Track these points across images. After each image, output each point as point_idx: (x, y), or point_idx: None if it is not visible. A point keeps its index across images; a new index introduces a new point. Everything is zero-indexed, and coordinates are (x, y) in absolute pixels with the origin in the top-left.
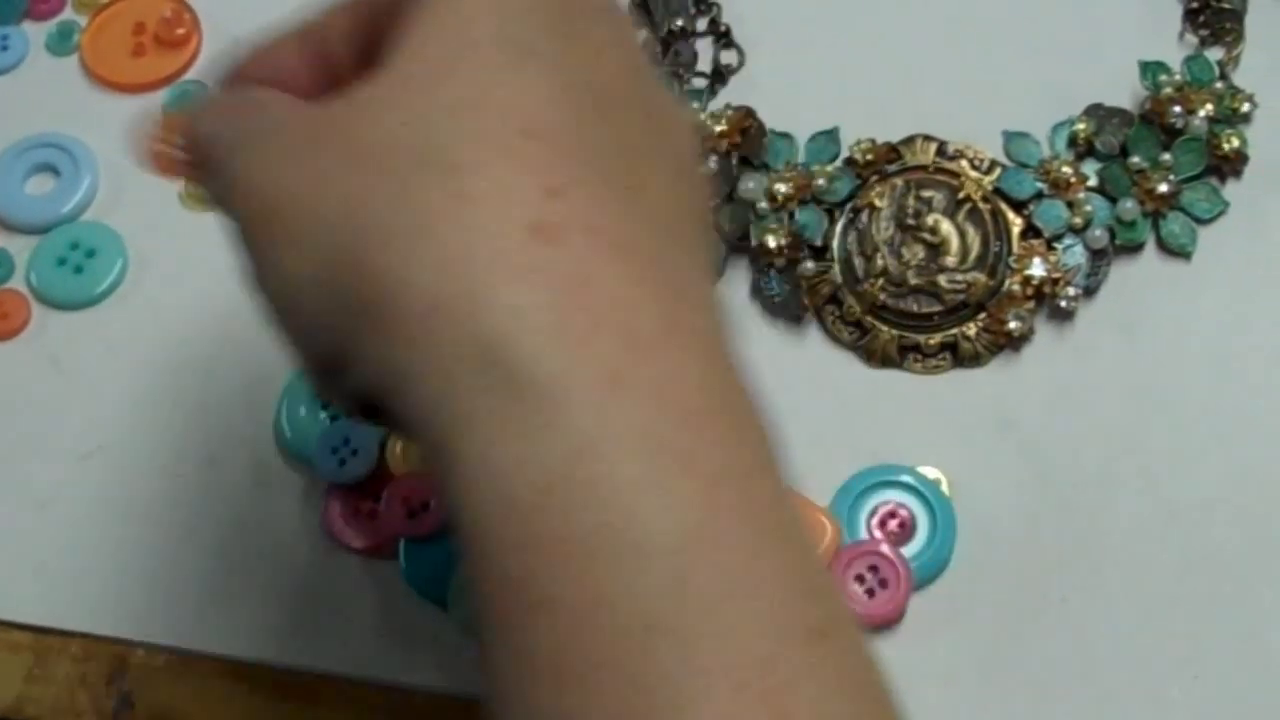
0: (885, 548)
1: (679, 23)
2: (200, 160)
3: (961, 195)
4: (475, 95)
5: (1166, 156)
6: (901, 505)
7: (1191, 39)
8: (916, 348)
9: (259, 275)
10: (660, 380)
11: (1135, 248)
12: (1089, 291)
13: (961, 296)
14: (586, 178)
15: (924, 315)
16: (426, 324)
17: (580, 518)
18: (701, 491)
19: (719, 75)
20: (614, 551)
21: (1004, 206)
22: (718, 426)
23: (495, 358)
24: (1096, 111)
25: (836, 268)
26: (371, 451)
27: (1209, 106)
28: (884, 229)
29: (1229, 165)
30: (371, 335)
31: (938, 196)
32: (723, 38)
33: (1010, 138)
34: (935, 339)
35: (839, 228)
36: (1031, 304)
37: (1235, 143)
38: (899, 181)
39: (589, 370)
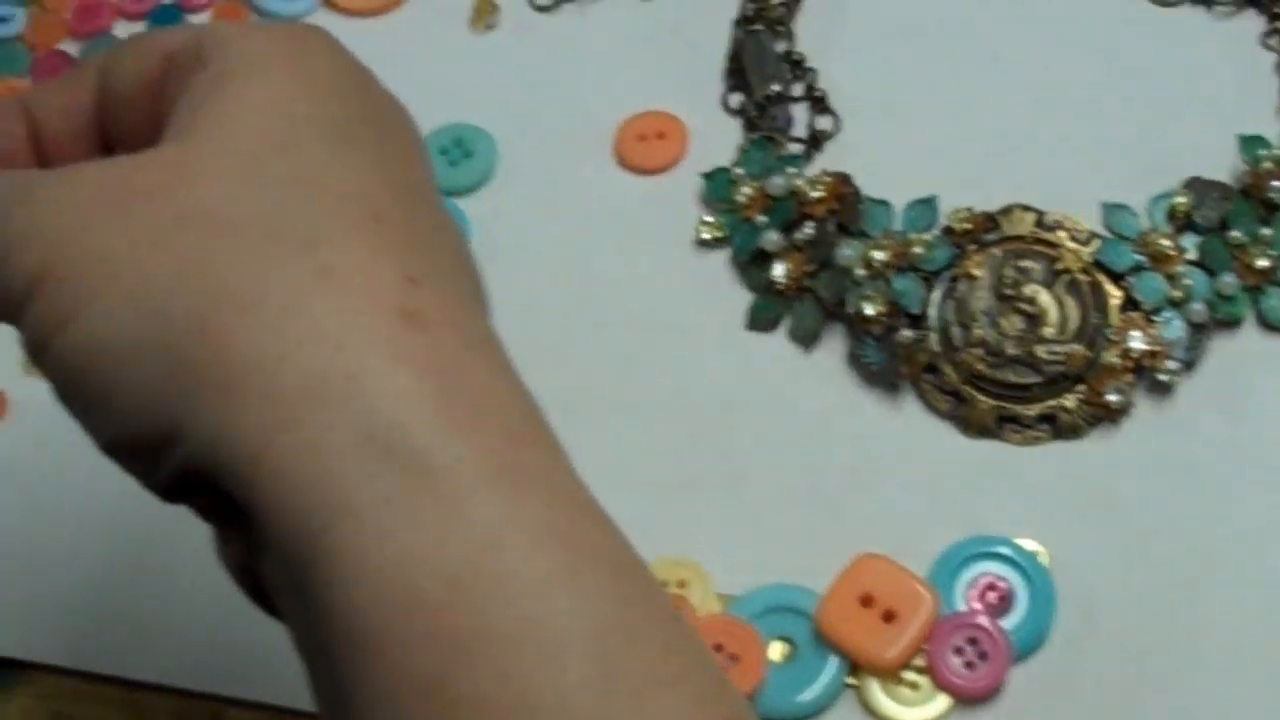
0: (984, 620)
1: (774, 87)
2: None
3: (1060, 266)
4: (312, 173)
5: (1266, 231)
6: (1000, 577)
7: None
8: (1015, 418)
9: (55, 338)
10: (544, 472)
11: (1235, 322)
12: (1188, 365)
13: (1060, 368)
14: (433, 270)
15: (1022, 386)
16: (300, 404)
17: (497, 612)
18: (610, 582)
19: (815, 141)
20: (536, 646)
21: (1103, 278)
22: (603, 518)
23: (388, 441)
24: (1196, 185)
25: (934, 336)
26: None
27: None
28: (982, 299)
29: None
30: (216, 409)
31: (1036, 267)
32: (818, 103)
33: (1109, 210)
34: (1034, 410)
35: (937, 296)
36: (1131, 377)
37: None
38: (997, 251)
39: (481, 460)
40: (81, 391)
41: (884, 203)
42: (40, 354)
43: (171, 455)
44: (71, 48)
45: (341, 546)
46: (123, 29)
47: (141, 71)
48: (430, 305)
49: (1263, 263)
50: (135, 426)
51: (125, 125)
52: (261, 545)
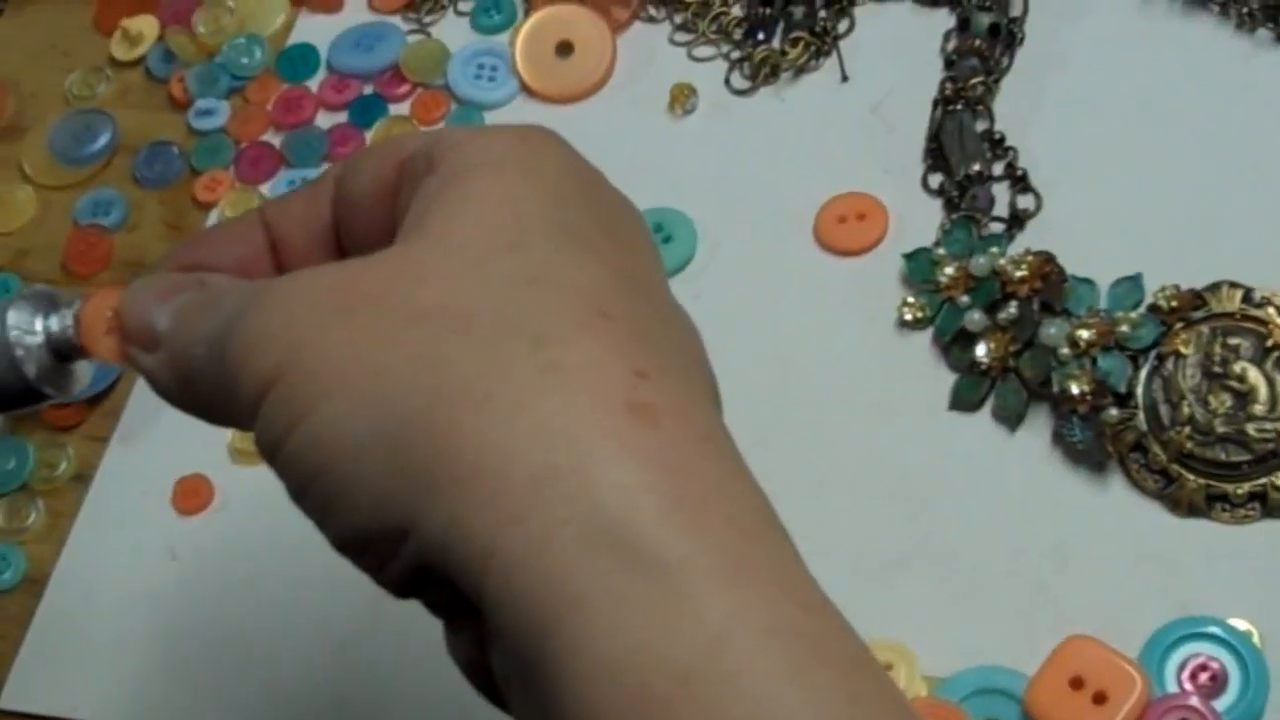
0: (1196, 701)
1: (975, 167)
2: (176, 340)
3: (1270, 343)
4: (539, 271)
5: None
6: (1212, 658)
7: None
8: (1224, 497)
9: (288, 438)
10: (773, 567)
11: None
12: None
13: (1271, 445)
14: (662, 365)
15: (1232, 464)
16: (531, 499)
17: (725, 709)
18: (838, 681)
19: (1017, 220)
20: None
21: None
22: (836, 614)
23: (618, 536)
24: None
25: (1141, 415)
26: None
27: None
28: (1190, 376)
29: None
30: (447, 505)
31: (1245, 344)
32: (1020, 181)
33: None
34: (1244, 488)
35: (1143, 375)
36: None
37: None
38: (1205, 329)
39: (710, 556)
40: (314, 490)
41: (1088, 281)
42: (274, 454)
43: (403, 551)
44: (275, 139)
45: (571, 641)
46: (324, 119)
47: (377, 178)
48: (659, 399)
49: None
50: (367, 523)
51: (361, 232)
52: (492, 638)
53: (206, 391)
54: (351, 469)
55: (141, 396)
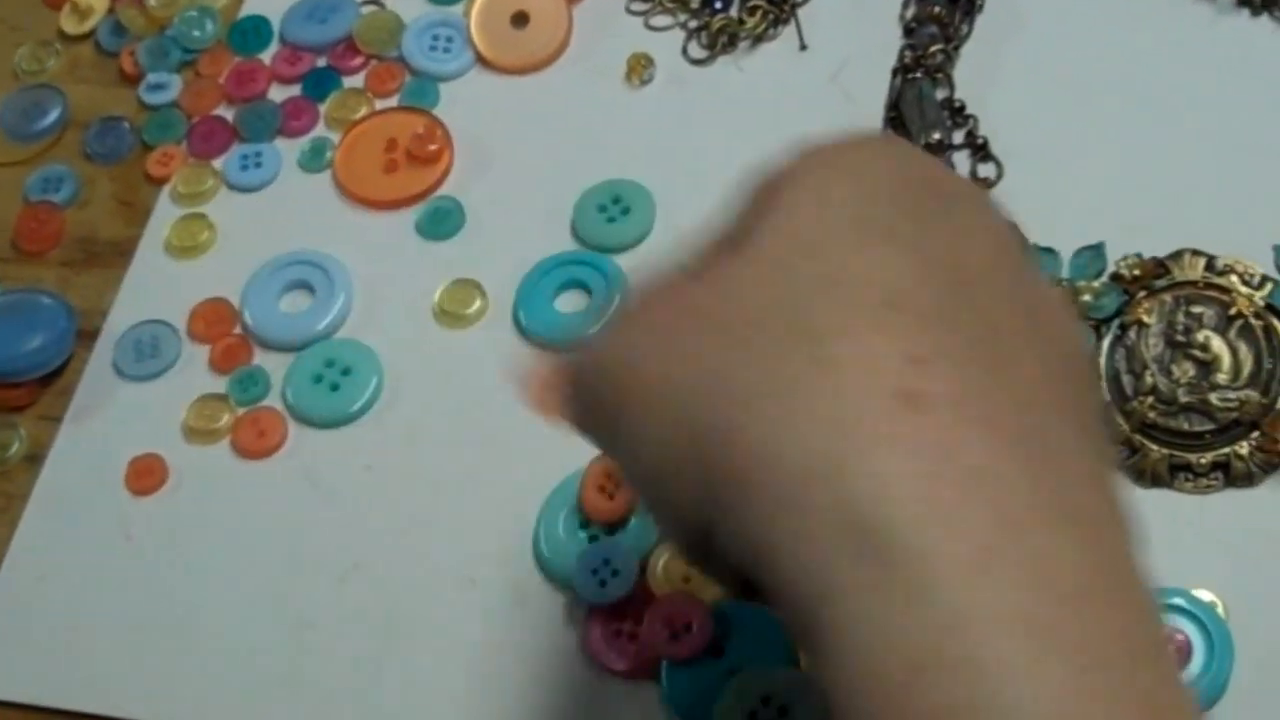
0: None
1: (935, 135)
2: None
3: (1233, 311)
4: (835, 270)
5: None
6: (1176, 630)
7: None
8: (1187, 467)
9: (628, 454)
10: (1031, 557)
11: None
12: None
13: (1234, 415)
14: (950, 350)
15: (1195, 434)
16: (795, 490)
17: (951, 694)
18: (1073, 676)
19: None
20: None
21: (1276, 322)
22: (1094, 608)
23: (867, 526)
24: None
25: (1104, 385)
26: (632, 572)
27: None
28: (1153, 346)
29: None
30: (735, 502)
31: (1208, 312)
32: (980, 150)
33: None
34: (1207, 458)
35: (1106, 344)
36: None
37: None
38: (1167, 297)
39: (960, 545)
40: (649, 502)
41: (1050, 250)
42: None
43: (716, 549)
44: (227, 113)
45: (829, 630)
46: (277, 93)
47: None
48: (933, 385)
49: None
50: (686, 532)
51: None
52: None
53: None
54: (664, 484)
55: (94, 375)
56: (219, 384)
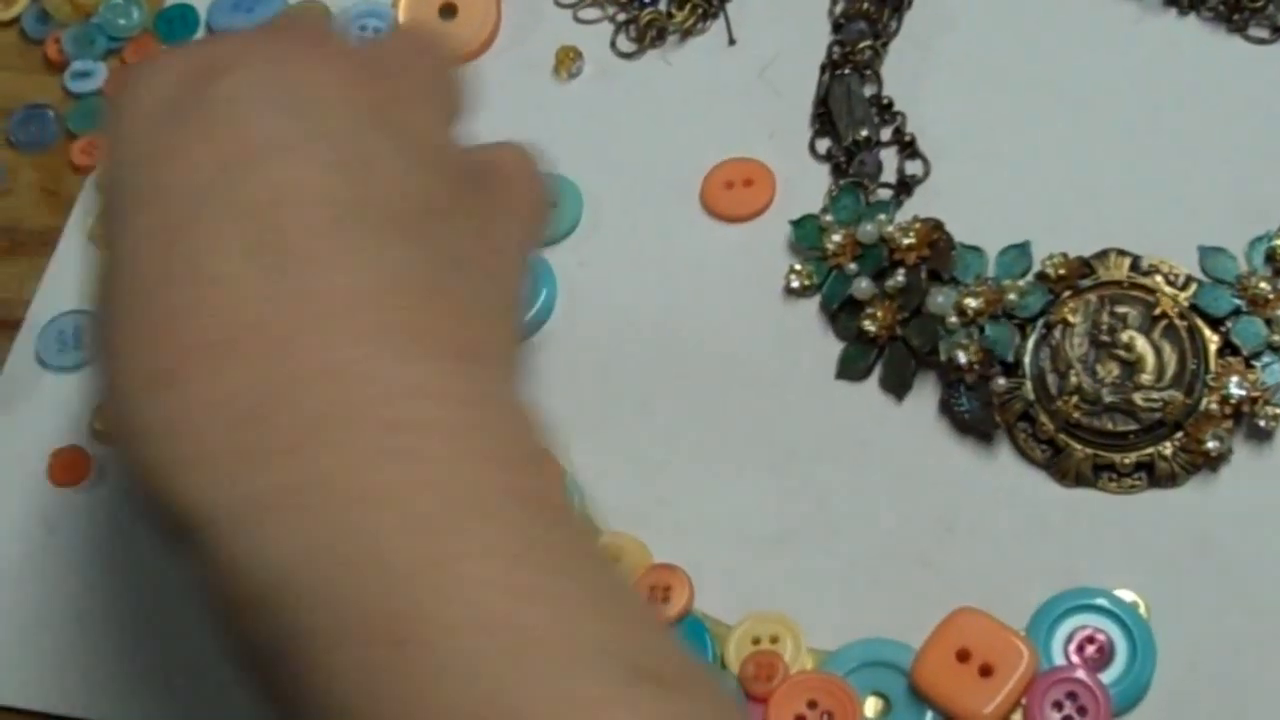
0: (1083, 674)
1: (863, 132)
2: None
3: (1157, 311)
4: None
5: None
6: (1099, 630)
7: None
8: (1111, 467)
9: None
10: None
11: None
12: None
13: (1158, 415)
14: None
15: (1119, 434)
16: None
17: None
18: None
19: (905, 186)
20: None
21: (1200, 323)
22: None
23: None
24: None
25: (1029, 384)
26: None
27: None
28: (1078, 345)
29: None
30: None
31: (1132, 313)
32: (908, 148)
33: (1206, 253)
34: (1130, 458)
35: (1031, 344)
36: (1230, 423)
37: None
38: (1092, 297)
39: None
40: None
41: (976, 249)
42: None
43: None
44: None
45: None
46: None
47: None
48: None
49: None
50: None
51: None
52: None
53: None
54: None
55: (17, 366)
56: None
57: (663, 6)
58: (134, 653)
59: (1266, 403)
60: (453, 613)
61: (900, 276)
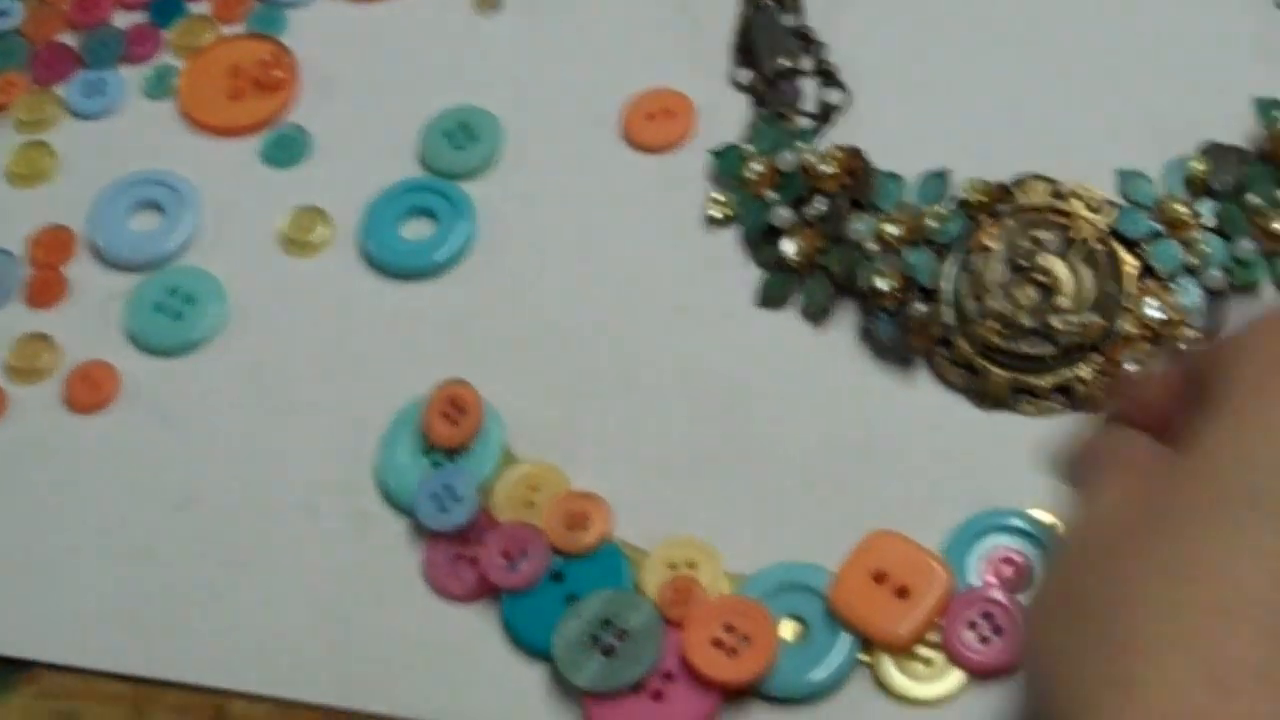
0: (999, 594)
1: (783, 62)
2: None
3: (1075, 236)
4: (1185, 555)
5: None
6: (1016, 550)
7: None
8: (1029, 390)
9: None
10: None
11: (1252, 287)
12: (1206, 333)
13: (1076, 338)
14: None
15: (1037, 357)
16: None
17: None
18: None
19: (825, 115)
20: None
21: (1118, 247)
22: None
23: None
24: (1212, 150)
25: (947, 310)
26: (473, 499)
27: None
28: (996, 270)
29: None
30: None
31: (1051, 237)
32: (828, 77)
33: (1124, 177)
34: (1049, 381)
35: (950, 269)
36: (1148, 346)
37: None
38: (1011, 222)
39: None
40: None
41: (896, 176)
42: None
43: None
44: (71, 40)
45: None
46: (122, 19)
47: (1166, 387)
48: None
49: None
50: None
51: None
52: None
53: None
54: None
55: None
56: (45, 322)
57: None
58: (48, 593)
59: (1184, 325)
60: None
61: (820, 204)
